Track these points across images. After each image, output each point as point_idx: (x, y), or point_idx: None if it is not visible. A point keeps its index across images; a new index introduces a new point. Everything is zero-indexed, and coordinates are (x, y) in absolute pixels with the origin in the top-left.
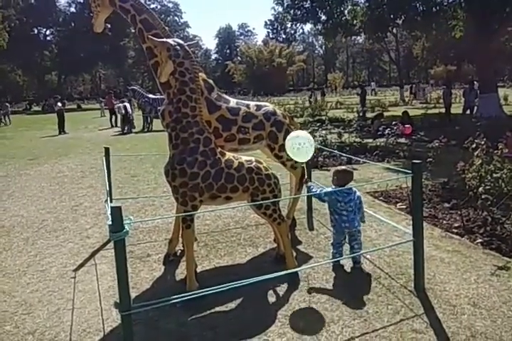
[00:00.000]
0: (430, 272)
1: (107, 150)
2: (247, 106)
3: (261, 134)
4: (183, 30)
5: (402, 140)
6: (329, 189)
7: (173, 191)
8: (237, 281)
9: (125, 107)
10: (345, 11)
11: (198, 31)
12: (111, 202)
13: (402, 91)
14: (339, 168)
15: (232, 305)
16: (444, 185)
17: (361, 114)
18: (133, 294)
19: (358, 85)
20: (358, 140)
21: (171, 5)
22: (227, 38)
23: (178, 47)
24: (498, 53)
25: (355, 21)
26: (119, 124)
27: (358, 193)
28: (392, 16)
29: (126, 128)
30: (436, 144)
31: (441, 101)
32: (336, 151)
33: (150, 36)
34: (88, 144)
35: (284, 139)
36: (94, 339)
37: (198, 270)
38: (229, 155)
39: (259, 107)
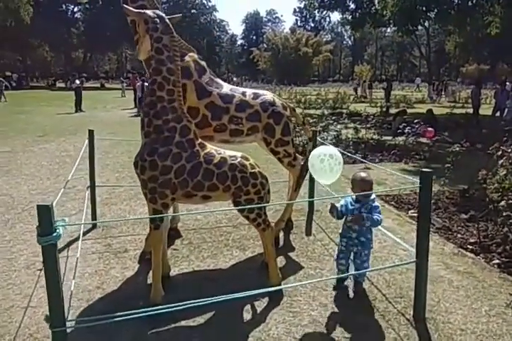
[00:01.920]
0: (434, 297)
1: (90, 132)
2: (243, 93)
3: (256, 126)
4: (211, 14)
5: (424, 139)
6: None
7: (141, 185)
8: (213, 290)
9: (142, 87)
10: (375, 0)
11: (226, 16)
12: (93, 189)
13: (431, 89)
14: (360, 175)
15: (200, 319)
16: (463, 193)
17: (384, 109)
18: (97, 295)
19: (385, 79)
20: (375, 137)
21: None
22: (254, 24)
23: (157, 19)
24: None
25: (384, 12)
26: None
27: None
28: (424, 8)
29: (139, 110)
30: (457, 148)
31: (470, 101)
32: (344, 151)
33: (125, 6)
34: (100, 124)
35: (282, 133)
36: None
37: (175, 272)
38: (210, 148)
39: (256, 96)
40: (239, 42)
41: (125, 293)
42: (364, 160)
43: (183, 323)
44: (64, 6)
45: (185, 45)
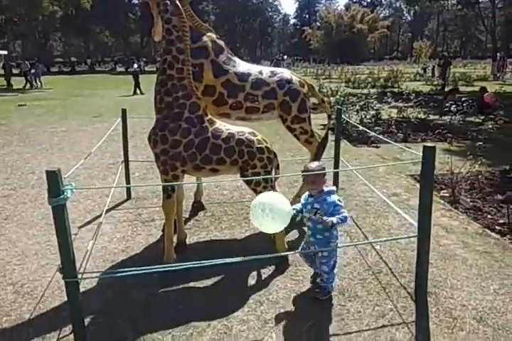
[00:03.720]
0: (443, 274)
1: (123, 111)
2: (260, 71)
3: (272, 103)
4: None
5: (472, 118)
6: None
7: (155, 158)
8: (223, 257)
9: None
10: None
11: None
12: (126, 164)
13: (495, 65)
14: (306, 166)
15: (208, 282)
16: (503, 173)
17: (440, 88)
18: (121, 257)
19: (441, 56)
20: (421, 116)
21: None
22: (307, 2)
23: (167, 1)
24: None
25: None
26: None
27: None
28: None
29: None
30: (490, 126)
31: None
32: (361, 127)
33: None
34: (151, 105)
35: (298, 110)
36: (64, 298)
37: (193, 240)
38: (219, 124)
39: (273, 73)
40: (291, 21)
41: (146, 256)
42: (390, 141)
43: (191, 284)
44: None
45: (204, 26)
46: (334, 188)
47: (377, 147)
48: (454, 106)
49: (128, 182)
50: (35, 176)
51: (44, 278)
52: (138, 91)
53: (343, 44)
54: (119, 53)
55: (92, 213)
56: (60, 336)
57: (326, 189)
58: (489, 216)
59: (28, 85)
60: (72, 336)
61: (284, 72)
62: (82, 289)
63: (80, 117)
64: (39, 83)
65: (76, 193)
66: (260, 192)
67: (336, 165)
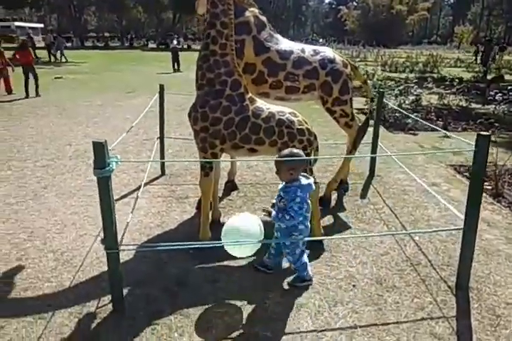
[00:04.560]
0: (486, 269)
1: (161, 87)
2: (302, 49)
3: (313, 84)
4: None
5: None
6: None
7: (194, 135)
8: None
9: None
10: None
11: None
12: (162, 140)
13: None
14: (279, 153)
15: (242, 262)
16: None
17: (482, 75)
18: (157, 232)
19: (483, 41)
20: (463, 104)
21: None
22: None
23: None
24: None
25: None
26: None
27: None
28: None
29: None
30: None
31: None
32: (404, 112)
33: None
34: (185, 83)
35: (340, 91)
36: (102, 269)
37: (227, 219)
38: (260, 103)
39: (315, 52)
40: (326, 0)
41: (180, 232)
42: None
43: (225, 263)
44: None
45: (246, 0)
46: (307, 183)
47: (414, 134)
48: (499, 94)
49: (162, 158)
50: (72, 148)
51: (83, 247)
52: (177, 67)
53: (380, 26)
54: (151, 30)
55: (127, 187)
56: (99, 305)
57: (302, 181)
58: None
59: (53, 58)
60: (110, 306)
61: (327, 51)
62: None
63: (114, 92)
64: (63, 57)
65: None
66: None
67: (374, 151)
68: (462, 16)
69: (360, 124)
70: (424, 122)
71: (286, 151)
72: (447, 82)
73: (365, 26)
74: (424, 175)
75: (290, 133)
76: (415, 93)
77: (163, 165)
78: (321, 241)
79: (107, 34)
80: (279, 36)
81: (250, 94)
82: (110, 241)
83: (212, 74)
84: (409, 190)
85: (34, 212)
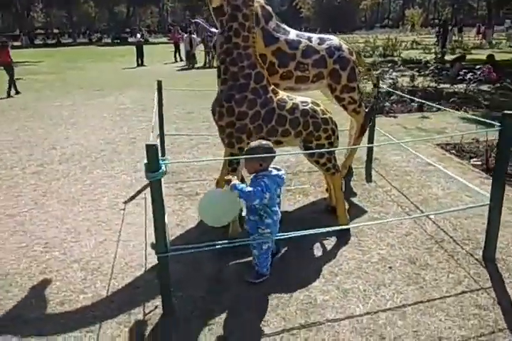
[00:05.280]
0: (503, 240)
1: (159, 83)
2: (309, 38)
3: (322, 72)
4: None
5: (485, 87)
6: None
7: (219, 131)
8: (282, 230)
9: (190, 40)
10: None
11: None
12: (162, 137)
13: (490, 32)
14: (259, 143)
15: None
16: None
17: (439, 56)
18: (178, 231)
19: (438, 24)
20: (433, 84)
21: None
22: None
23: None
24: None
25: None
26: (183, 58)
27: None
28: None
29: (188, 64)
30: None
31: None
32: (407, 96)
33: None
34: (150, 77)
35: (348, 79)
36: (135, 274)
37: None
38: (282, 94)
39: (322, 41)
40: None
41: (202, 230)
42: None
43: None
44: None
45: None
46: (277, 174)
47: (395, 117)
48: (470, 74)
49: (163, 155)
50: (59, 152)
51: (107, 254)
52: (140, 62)
53: (335, 12)
54: (102, 24)
55: (131, 188)
56: (146, 311)
57: (272, 172)
58: None
59: None
60: (158, 310)
61: (333, 39)
62: (150, 264)
63: (82, 91)
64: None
65: (109, 168)
66: (324, 164)
67: (371, 136)
68: (411, 0)
69: (366, 110)
70: (430, 103)
71: (256, 143)
72: (421, 64)
73: (321, 13)
74: (418, 156)
75: (315, 122)
76: (391, 76)
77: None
78: (347, 231)
79: (56, 31)
80: (285, 26)
81: (273, 86)
82: (161, 244)
83: (236, 68)
84: (409, 170)
85: (41, 222)
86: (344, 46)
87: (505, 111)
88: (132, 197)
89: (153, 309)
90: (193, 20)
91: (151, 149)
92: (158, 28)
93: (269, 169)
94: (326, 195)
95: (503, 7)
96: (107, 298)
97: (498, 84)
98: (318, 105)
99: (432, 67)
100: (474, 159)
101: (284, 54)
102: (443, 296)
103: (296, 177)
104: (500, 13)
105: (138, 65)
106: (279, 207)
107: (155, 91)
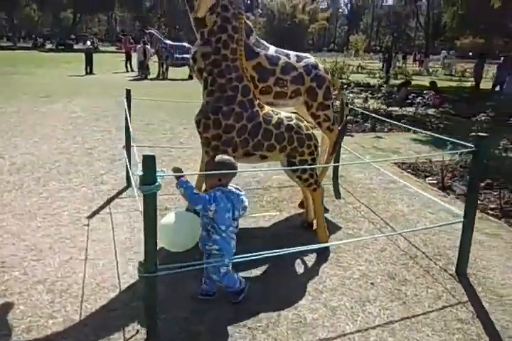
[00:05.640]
0: (471, 256)
1: (128, 92)
2: (287, 55)
3: (299, 89)
4: None
5: (430, 111)
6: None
7: (203, 143)
8: (260, 246)
9: (144, 50)
10: None
11: None
12: (129, 149)
13: (427, 61)
14: (221, 158)
15: (256, 271)
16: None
17: (384, 80)
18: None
19: (381, 50)
20: (383, 107)
21: None
22: None
23: None
24: None
25: None
26: (135, 68)
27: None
28: None
29: (141, 74)
30: (483, 118)
31: (468, 74)
32: (382, 117)
33: None
34: (102, 86)
35: (324, 97)
36: (109, 296)
37: None
38: (268, 108)
39: (299, 58)
40: None
41: None
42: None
43: (242, 274)
44: None
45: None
46: (236, 193)
47: (351, 136)
48: (419, 98)
49: (130, 168)
50: (7, 161)
51: (75, 273)
52: (89, 70)
53: (285, 33)
54: (46, 29)
55: (93, 202)
56: (127, 336)
57: (232, 189)
58: (479, 201)
59: None
60: (139, 335)
61: (310, 57)
62: (125, 284)
63: (28, 97)
64: None
65: (65, 180)
66: (306, 179)
67: (338, 153)
68: (356, 26)
69: (339, 128)
70: (397, 122)
71: (218, 158)
72: (362, 87)
73: (271, 33)
74: (380, 173)
75: (299, 138)
76: (347, 97)
77: (129, 175)
78: (326, 248)
79: None
80: (263, 41)
81: (258, 100)
82: (151, 264)
83: (223, 80)
84: (373, 188)
85: None
86: (320, 65)
87: (479, 134)
88: (96, 212)
89: (134, 334)
90: (147, 31)
91: (148, 160)
92: (106, 37)
93: (229, 187)
94: (300, 211)
95: (438, 38)
96: (80, 323)
97: (441, 109)
98: (301, 121)
99: (384, 91)
100: (429, 178)
101: (264, 69)
102: (426, 311)
103: (267, 193)
104: (435, 44)
105: (87, 73)
106: (235, 234)
107: (112, 99)
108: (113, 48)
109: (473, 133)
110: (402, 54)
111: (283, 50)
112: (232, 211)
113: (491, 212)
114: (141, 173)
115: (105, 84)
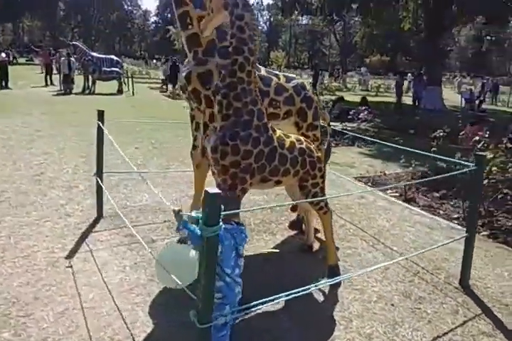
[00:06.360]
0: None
1: (100, 113)
2: (276, 76)
3: (290, 110)
4: None
5: (367, 125)
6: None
7: (219, 171)
8: (274, 270)
9: (69, 63)
10: None
11: None
12: (100, 175)
13: (345, 77)
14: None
15: (278, 306)
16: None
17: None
18: (154, 288)
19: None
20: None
21: None
22: (168, 0)
23: None
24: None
25: (313, 0)
26: (55, 83)
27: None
28: None
29: (65, 88)
30: (441, 134)
31: (382, 89)
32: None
33: None
34: (25, 103)
35: (313, 117)
36: None
37: None
38: (279, 132)
39: (288, 79)
40: (152, 19)
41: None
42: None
43: (259, 312)
44: None
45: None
46: (238, 228)
47: None
48: (363, 113)
49: (101, 196)
50: None
51: (78, 327)
52: (5, 84)
53: None
54: None
55: (66, 238)
56: None
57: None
58: (441, 211)
59: None
60: None
61: (297, 78)
62: (142, 333)
63: None
64: None
65: (23, 214)
66: (317, 203)
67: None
68: (275, 43)
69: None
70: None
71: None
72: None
73: None
74: (348, 189)
75: (311, 162)
76: None
77: (100, 205)
78: (337, 269)
79: None
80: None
81: (271, 124)
82: (207, 314)
83: (239, 104)
84: (350, 204)
85: None
86: (307, 86)
87: (478, 153)
88: (73, 251)
89: None
90: (71, 43)
91: (214, 198)
92: (11, 47)
93: (231, 222)
94: (291, 232)
95: (349, 56)
96: None
97: (372, 123)
98: (310, 143)
99: (329, 107)
100: (390, 191)
101: (260, 91)
102: (451, 328)
103: (253, 216)
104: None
105: (2, 88)
106: (240, 275)
107: (43, 117)
108: (23, 60)
109: (434, 149)
110: (330, 71)
111: (270, 70)
112: (236, 248)
113: (455, 222)
114: (195, 214)
115: (28, 100)
